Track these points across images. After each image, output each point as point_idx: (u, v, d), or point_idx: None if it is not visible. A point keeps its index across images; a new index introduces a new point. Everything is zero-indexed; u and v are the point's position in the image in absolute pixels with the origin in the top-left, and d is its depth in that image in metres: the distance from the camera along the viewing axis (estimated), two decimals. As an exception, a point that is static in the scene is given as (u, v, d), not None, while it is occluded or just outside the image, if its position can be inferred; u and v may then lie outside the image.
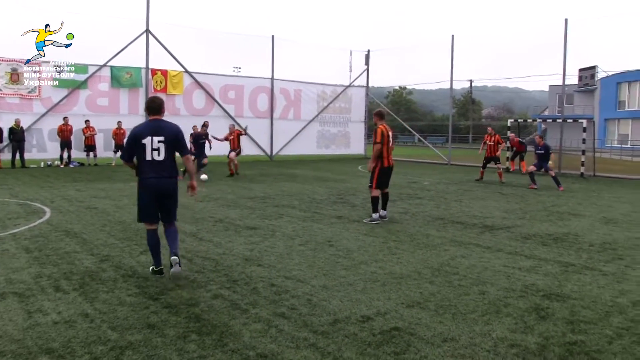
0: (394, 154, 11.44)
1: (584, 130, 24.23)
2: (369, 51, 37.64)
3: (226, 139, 21.22)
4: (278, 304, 5.90)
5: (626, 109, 61.00)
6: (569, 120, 26.73)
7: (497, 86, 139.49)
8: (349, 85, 37.04)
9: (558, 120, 29.59)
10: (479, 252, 8.38)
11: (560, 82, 28.93)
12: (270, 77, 32.67)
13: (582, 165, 24.35)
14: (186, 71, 29.20)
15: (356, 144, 37.58)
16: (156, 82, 28.04)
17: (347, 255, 8.14)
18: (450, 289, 6.51)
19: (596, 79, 65.54)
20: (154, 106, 6.86)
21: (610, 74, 64.31)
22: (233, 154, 20.81)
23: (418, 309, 5.81)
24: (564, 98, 33.38)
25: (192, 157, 18.65)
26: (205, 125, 20.85)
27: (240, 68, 37.87)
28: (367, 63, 37.65)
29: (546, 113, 76.03)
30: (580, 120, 25.31)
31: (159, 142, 6.64)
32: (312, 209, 12.51)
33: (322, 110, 35.47)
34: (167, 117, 8.58)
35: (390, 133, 10.89)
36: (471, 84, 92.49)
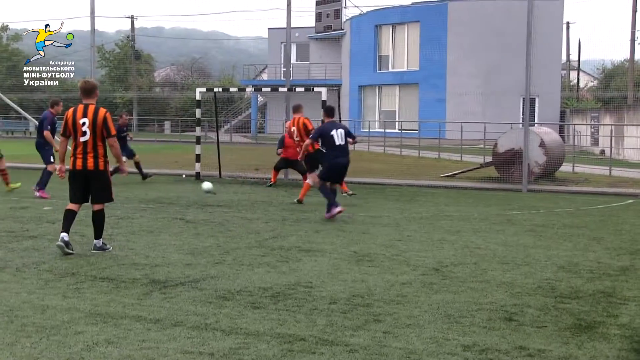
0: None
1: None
2: None
3: None
4: None
5: (391, 69, 40.17)
6: (298, 90, 17.91)
7: (182, 29, 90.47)
8: None
9: (282, 89, 19.02)
10: (141, 331, 5.04)
11: (284, 24, 18.66)
12: None
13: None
14: None
15: None
16: None
17: None
18: None
19: (343, 18, 42.96)
20: None
21: (364, 10, 42.51)
22: None
23: None
24: (290, 51, 20.87)
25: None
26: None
27: None
28: None
29: (264, 77, 50.42)
30: (317, 89, 17.07)
31: None
32: None
33: None
34: None
35: (87, 121, 7.50)
36: (133, 23, 57.43)
